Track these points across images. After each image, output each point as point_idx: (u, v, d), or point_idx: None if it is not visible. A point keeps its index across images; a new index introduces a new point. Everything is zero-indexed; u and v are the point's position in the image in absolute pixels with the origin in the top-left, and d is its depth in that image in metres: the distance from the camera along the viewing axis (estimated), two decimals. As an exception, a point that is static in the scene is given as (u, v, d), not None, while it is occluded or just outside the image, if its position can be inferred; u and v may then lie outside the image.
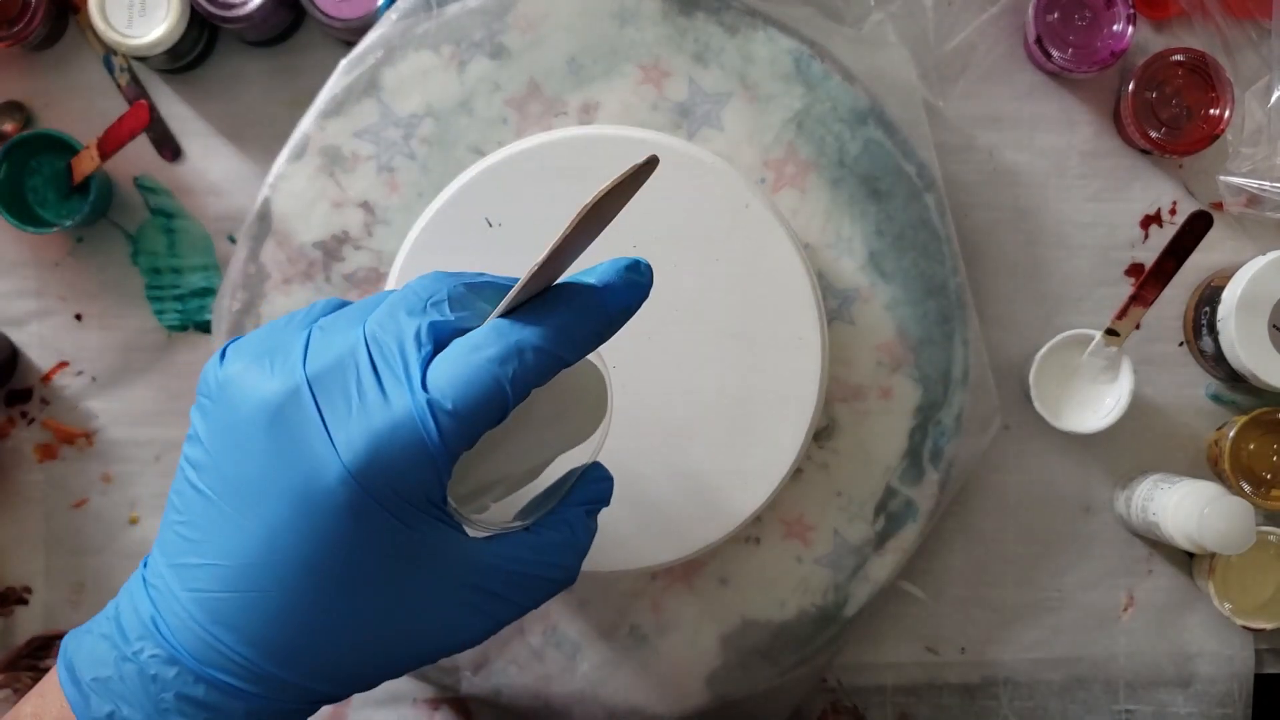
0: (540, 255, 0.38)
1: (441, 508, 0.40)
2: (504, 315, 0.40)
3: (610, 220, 0.39)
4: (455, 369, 0.38)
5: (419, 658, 0.42)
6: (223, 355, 0.41)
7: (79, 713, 0.40)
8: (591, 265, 0.41)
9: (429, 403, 0.38)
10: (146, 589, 0.41)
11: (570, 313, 0.40)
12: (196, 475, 0.40)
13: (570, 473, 0.47)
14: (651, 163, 0.37)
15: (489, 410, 0.38)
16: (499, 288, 0.42)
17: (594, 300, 0.40)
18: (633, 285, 0.41)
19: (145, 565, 0.42)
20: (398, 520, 0.39)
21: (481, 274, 0.43)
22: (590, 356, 0.45)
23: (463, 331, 0.40)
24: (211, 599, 0.39)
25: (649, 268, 0.41)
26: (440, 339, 0.39)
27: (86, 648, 0.41)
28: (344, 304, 0.43)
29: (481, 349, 0.39)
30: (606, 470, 0.47)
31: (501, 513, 0.45)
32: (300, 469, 0.38)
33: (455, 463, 0.39)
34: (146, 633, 0.40)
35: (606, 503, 0.47)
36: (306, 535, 0.38)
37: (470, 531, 0.41)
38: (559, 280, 0.41)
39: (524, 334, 0.39)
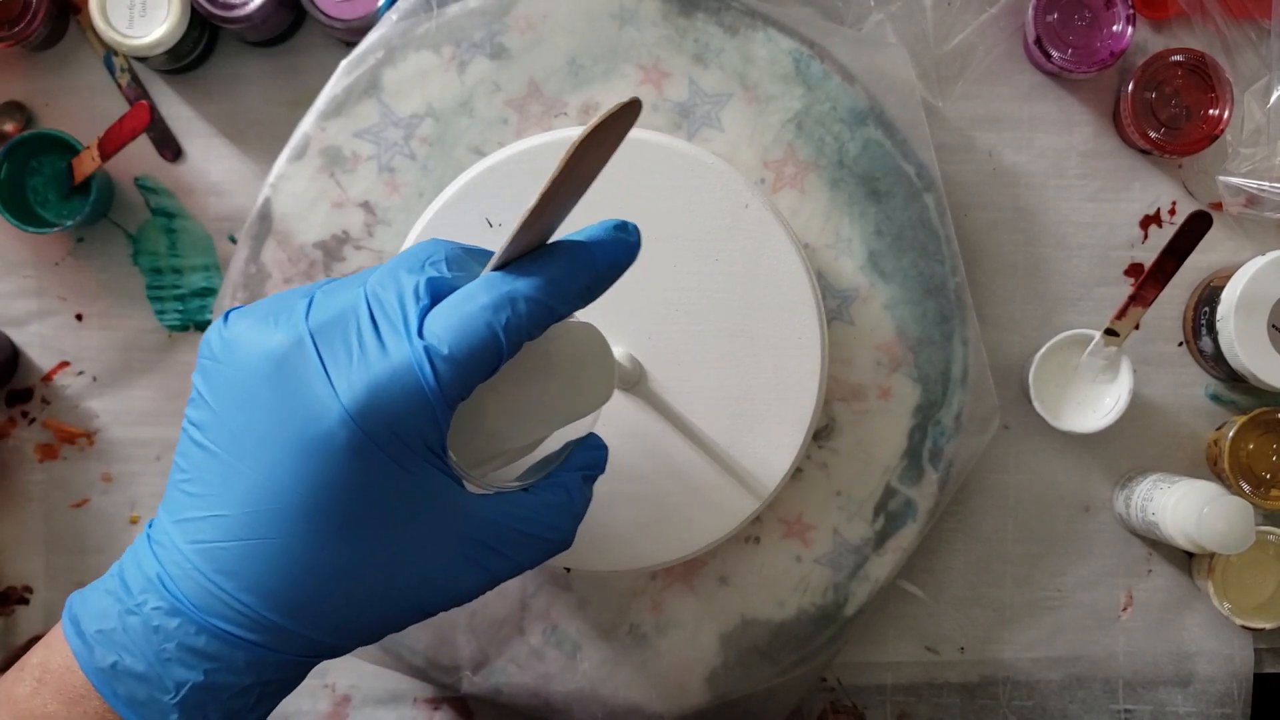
0: (528, 203, 0.39)
1: (441, 456, 0.41)
2: (496, 269, 0.41)
3: (596, 174, 0.40)
4: (450, 317, 0.40)
5: (418, 608, 0.43)
6: (226, 319, 0.43)
7: (83, 663, 0.41)
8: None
9: (426, 349, 0.39)
10: (151, 546, 0.42)
11: (560, 266, 0.42)
12: (200, 433, 0.41)
13: (569, 442, 0.48)
14: (634, 104, 0.38)
15: (484, 357, 0.40)
16: (493, 254, 0.44)
17: (583, 254, 0.42)
18: (620, 243, 0.43)
19: (150, 525, 0.43)
20: (396, 464, 0.40)
21: (476, 245, 0.45)
22: (595, 330, 0.47)
23: (458, 289, 0.41)
24: (214, 549, 0.40)
25: (637, 229, 0.43)
26: (438, 294, 0.41)
27: (91, 602, 0.42)
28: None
29: (475, 298, 0.40)
30: (601, 440, 0.49)
31: (503, 476, 0.47)
32: (301, 414, 0.39)
33: (454, 410, 0.40)
34: (149, 586, 0.41)
35: (602, 469, 0.49)
36: (307, 479, 0.39)
37: (469, 488, 0.43)
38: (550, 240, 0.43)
39: (516, 284, 0.41)
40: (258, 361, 0.40)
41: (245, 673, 0.41)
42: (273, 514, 0.40)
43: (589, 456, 0.48)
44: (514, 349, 0.41)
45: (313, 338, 0.40)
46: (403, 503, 0.40)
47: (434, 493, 0.41)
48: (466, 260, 0.43)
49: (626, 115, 0.38)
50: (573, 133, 0.59)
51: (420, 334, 0.40)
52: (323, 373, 0.40)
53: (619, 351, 0.57)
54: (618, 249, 0.43)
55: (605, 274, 0.43)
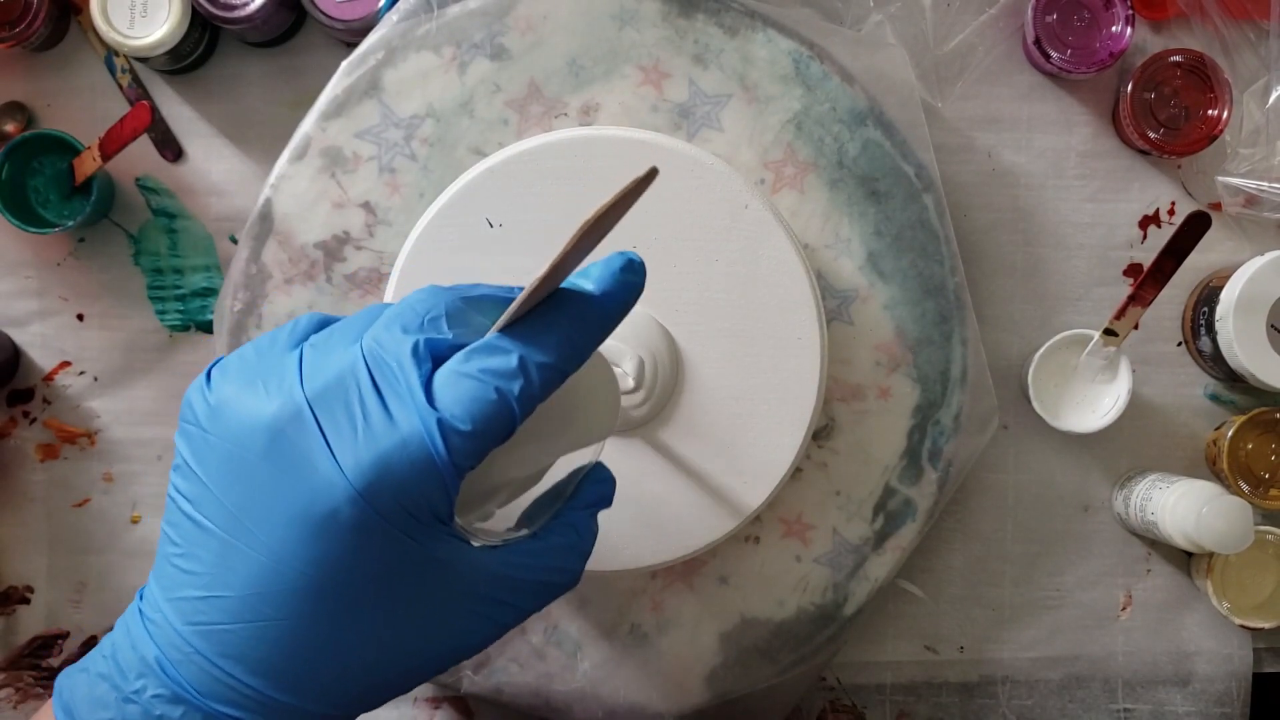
0: (541, 270, 0.38)
1: (448, 523, 0.39)
2: (504, 328, 0.40)
3: (609, 230, 0.39)
4: (462, 387, 0.38)
5: (427, 670, 0.41)
6: (208, 379, 0.40)
7: None
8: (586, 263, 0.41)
9: (439, 421, 0.37)
10: (145, 625, 0.40)
11: (573, 325, 0.40)
12: (191, 506, 0.39)
13: (574, 474, 0.47)
14: (651, 175, 0.37)
15: (498, 428, 0.38)
16: (495, 300, 0.42)
17: (595, 309, 0.40)
18: (628, 286, 0.41)
19: (141, 598, 0.41)
20: (407, 537, 0.38)
21: (476, 285, 0.42)
22: (601, 357, 0.45)
23: (460, 348, 0.39)
24: (216, 631, 0.39)
25: (642, 265, 0.41)
26: (438, 356, 0.39)
27: (83, 688, 0.40)
28: (327, 319, 0.43)
29: (487, 365, 0.38)
30: (609, 471, 0.47)
31: (504, 519, 0.45)
32: (304, 491, 0.38)
33: (463, 479, 0.39)
34: (147, 670, 0.39)
35: (609, 504, 0.47)
36: (313, 558, 0.38)
37: (475, 542, 0.41)
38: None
39: (528, 350, 0.39)
40: (252, 434, 0.38)
41: None
42: (278, 595, 0.38)
43: (598, 491, 0.46)
44: (526, 416, 0.39)
45: (311, 408, 0.38)
46: (411, 572, 0.39)
47: (443, 558, 0.39)
48: (466, 312, 0.41)
49: (644, 186, 0.37)
50: (573, 134, 0.59)
51: (431, 403, 0.38)
52: (325, 447, 0.38)
53: (634, 358, 0.57)
54: (626, 293, 0.41)
55: (615, 322, 0.41)
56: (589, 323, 0.40)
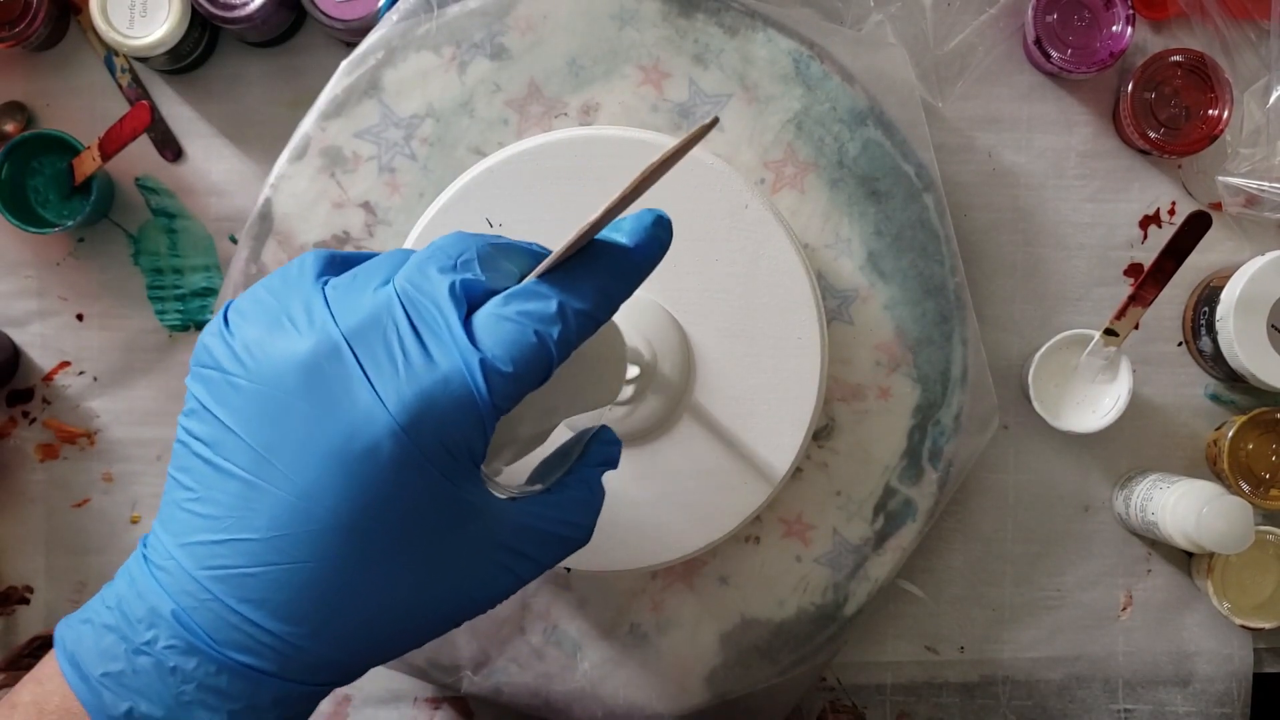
0: (590, 217, 0.38)
1: (480, 467, 0.40)
2: (541, 275, 0.40)
3: (651, 186, 0.40)
4: (503, 329, 0.38)
5: (448, 620, 0.41)
6: (226, 322, 0.40)
7: (92, 710, 0.38)
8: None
9: (481, 360, 0.38)
10: (152, 573, 0.39)
11: (609, 276, 0.41)
12: (211, 450, 0.39)
13: (580, 434, 0.48)
14: (712, 124, 0.37)
15: (536, 370, 0.39)
16: (520, 250, 0.42)
17: (629, 262, 0.41)
18: (658, 241, 0.42)
19: (145, 546, 0.40)
20: (443, 476, 0.38)
21: (499, 236, 0.43)
22: (614, 324, 0.46)
23: (493, 292, 0.40)
24: (235, 576, 0.38)
25: (669, 221, 0.42)
26: (472, 298, 0.39)
27: (89, 639, 0.39)
28: (334, 254, 0.43)
29: (528, 310, 0.39)
30: (614, 433, 0.48)
31: (512, 476, 0.46)
32: (343, 426, 0.37)
33: (499, 421, 0.39)
34: (158, 620, 0.38)
35: (615, 465, 0.48)
36: (348, 495, 0.37)
37: (494, 493, 0.42)
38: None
39: (567, 297, 0.39)
40: (285, 372, 0.38)
41: (270, 709, 0.39)
42: (306, 535, 0.38)
43: (606, 452, 0.47)
44: (562, 361, 0.40)
45: (349, 343, 0.38)
46: (444, 513, 0.39)
47: (474, 502, 0.40)
48: (496, 258, 0.41)
49: (703, 135, 0.37)
50: (573, 133, 0.59)
51: (473, 342, 0.38)
52: (366, 382, 0.37)
53: (639, 340, 0.57)
54: (655, 248, 0.42)
55: (645, 275, 0.42)
56: (623, 274, 0.41)
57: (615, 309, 0.42)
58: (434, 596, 0.40)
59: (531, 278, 0.40)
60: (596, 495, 0.46)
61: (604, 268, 0.41)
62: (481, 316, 0.39)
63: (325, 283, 0.41)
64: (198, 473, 0.39)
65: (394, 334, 0.38)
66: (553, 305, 0.39)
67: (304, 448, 0.38)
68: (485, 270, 0.40)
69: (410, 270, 0.40)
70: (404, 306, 0.38)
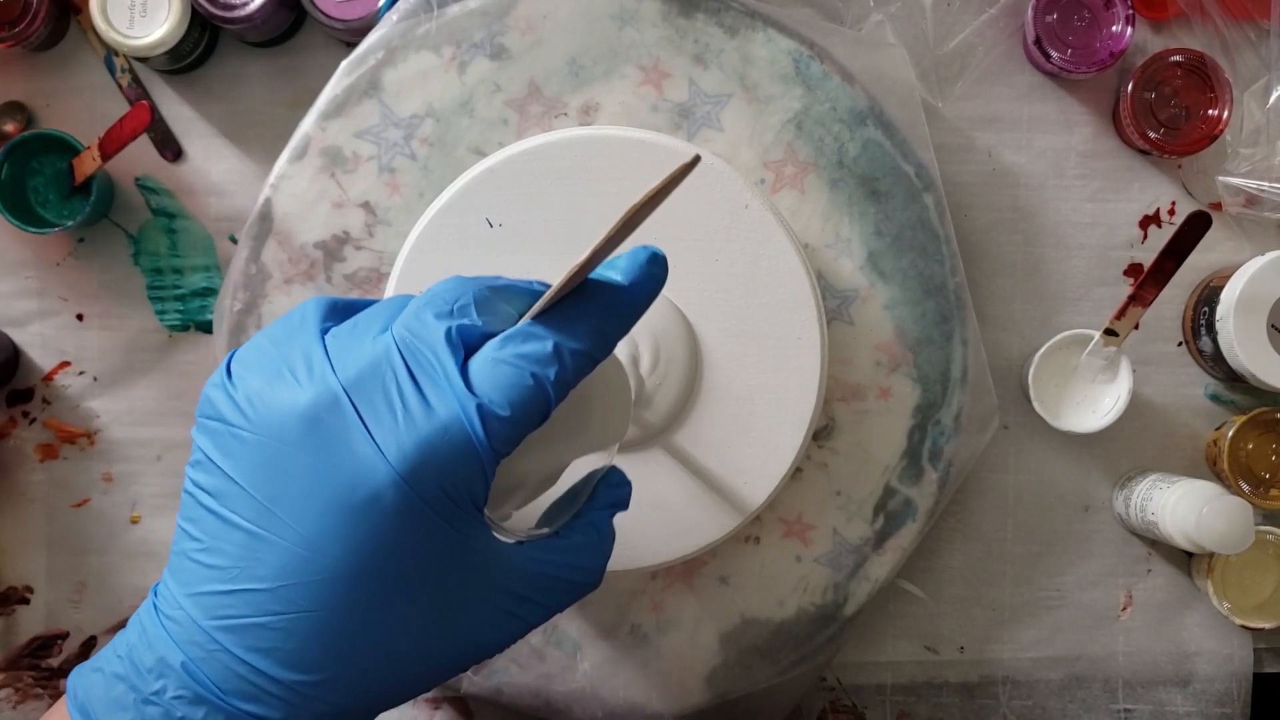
0: (579, 258, 0.38)
1: (483, 512, 0.40)
2: (537, 316, 0.40)
3: (643, 221, 0.39)
4: (499, 373, 0.39)
5: (455, 665, 0.41)
6: (229, 373, 0.40)
7: None
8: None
9: (479, 406, 0.38)
10: (162, 623, 0.40)
11: (603, 315, 0.41)
12: (216, 501, 0.39)
13: (590, 475, 0.47)
14: (694, 163, 0.37)
15: (534, 413, 0.39)
16: (518, 290, 0.42)
17: (624, 300, 0.41)
18: (654, 279, 0.42)
19: (156, 595, 0.41)
20: (445, 523, 0.38)
21: (498, 277, 0.43)
22: (616, 360, 0.46)
23: (490, 335, 0.40)
24: (243, 626, 0.38)
25: (664, 258, 0.42)
26: (469, 343, 0.39)
27: (100, 689, 0.40)
28: (336, 302, 0.43)
29: (524, 353, 0.39)
30: (624, 475, 0.48)
31: (523, 520, 0.45)
32: (345, 477, 0.38)
33: (498, 466, 0.39)
34: (166, 670, 0.39)
35: (625, 506, 0.47)
36: (351, 544, 0.38)
37: (500, 538, 0.42)
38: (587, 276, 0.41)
39: (562, 337, 0.39)
40: (286, 423, 0.38)
41: None
42: (311, 585, 0.38)
43: (615, 494, 0.47)
44: (560, 402, 0.40)
45: (348, 394, 0.38)
46: (448, 560, 0.39)
47: (477, 548, 0.40)
48: (494, 300, 0.41)
49: (685, 174, 0.37)
50: (573, 133, 0.59)
51: (469, 389, 0.38)
52: (365, 433, 0.38)
53: (646, 346, 0.57)
54: (650, 285, 0.42)
55: (641, 313, 0.42)
56: (618, 313, 0.41)
57: (612, 347, 0.41)
58: (441, 642, 0.40)
59: (526, 319, 0.40)
60: (606, 539, 0.45)
61: (599, 307, 0.40)
62: (478, 361, 0.39)
63: (326, 331, 0.41)
64: (205, 523, 0.39)
65: (392, 383, 0.38)
66: (548, 346, 0.39)
67: (306, 499, 0.38)
68: (482, 314, 0.40)
69: (408, 318, 0.40)
70: (402, 354, 0.39)
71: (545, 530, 0.45)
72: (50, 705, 0.66)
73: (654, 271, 0.42)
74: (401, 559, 0.38)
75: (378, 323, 0.40)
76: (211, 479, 0.39)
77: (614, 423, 0.46)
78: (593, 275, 0.41)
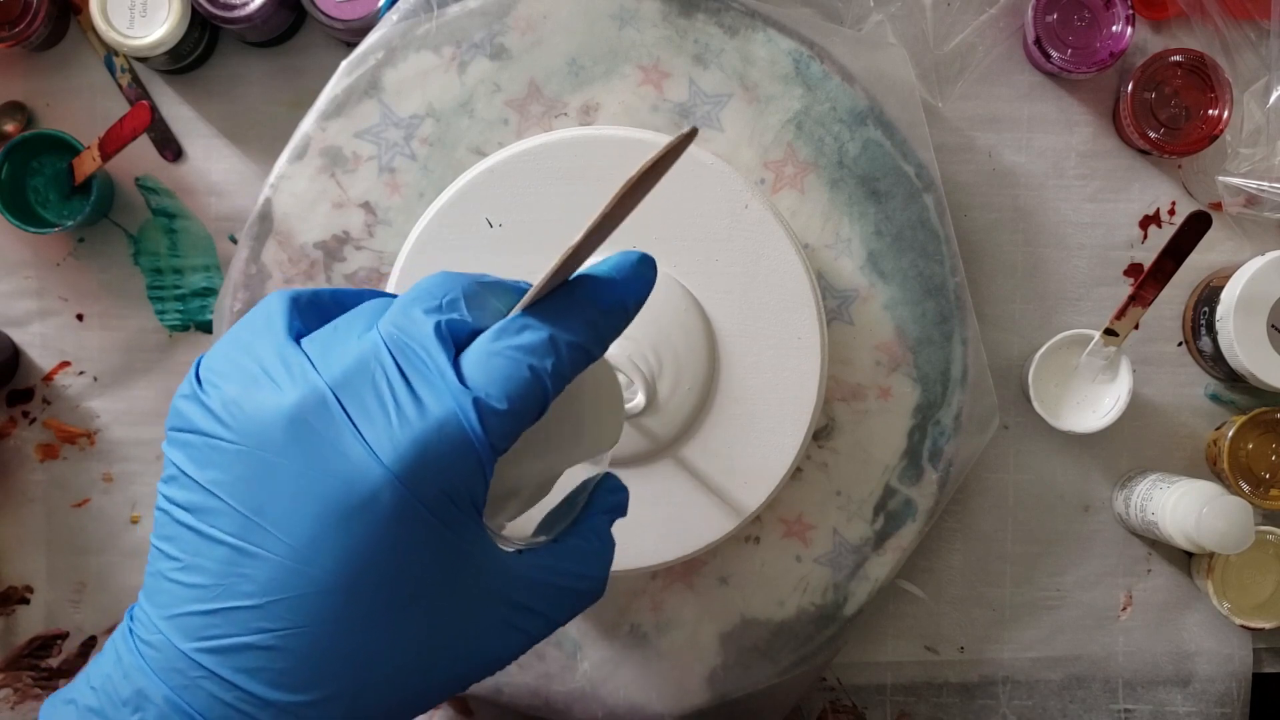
0: (574, 239, 0.37)
1: (481, 514, 0.38)
2: (527, 309, 0.39)
3: (636, 205, 0.39)
4: (494, 365, 0.37)
5: (455, 682, 0.39)
6: (198, 381, 0.38)
7: None
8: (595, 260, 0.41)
9: (474, 400, 0.36)
10: (138, 650, 0.37)
11: (596, 309, 0.39)
12: (194, 517, 0.37)
13: (585, 483, 0.46)
14: (692, 134, 0.36)
15: (532, 406, 0.37)
16: (508, 288, 0.41)
17: (616, 296, 0.40)
18: (644, 280, 0.41)
19: (131, 619, 0.38)
20: (444, 526, 0.37)
21: (486, 275, 0.42)
22: (607, 364, 0.45)
23: (480, 331, 0.38)
24: (230, 646, 0.36)
25: (654, 260, 0.41)
26: (459, 339, 0.38)
27: None
28: (297, 294, 0.41)
29: (519, 344, 0.37)
30: (620, 480, 0.47)
31: (519, 530, 0.45)
32: (335, 481, 0.36)
33: (496, 462, 0.37)
34: (144, 702, 0.36)
35: (624, 512, 0.46)
36: (346, 551, 0.36)
37: (501, 545, 0.40)
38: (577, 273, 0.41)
39: (558, 329, 0.38)
40: (269, 429, 0.36)
41: None
42: (305, 598, 0.36)
43: (613, 500, 0.46)
44: (556, 395, 0.38)
45: (334, 394, 0.36)
46: (446, 565, 0.37)
47: (476, 553, 0.38)
48: (483, 296, 0.39)
49: (682, 148, 0.36)
50: (573, 133, 0.59)
51: (464, 383, 0.36)
52: (356, 433, 0.36)
53: (643, 356, 0.57)
54: (640, 284, 0.40)
55: (632, 314, 0.41)
56: (610, 309, 0.40)
57: (606, 346, 0.40)
58: (441, 657, 0.38)
59: (518, 309, 0.39)
60: (606, 545, 0.44)
61: (591, 301, 0.39)
62: (471, 355, 0.37)
63: (294, 327, 0.39)
64: (182, 541, 0.37)
65: (383, 380, 0.36)
66: (544, 336, 0.38)
67: (295, 507, 0.36)
68: (471, 309, 0.39)
69: (395, 314, 0.38)
70: (391, 352, 0.37)
71: (544, 538, 0.44)
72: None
73: (643, 272, 0.41)
74: (398, 566, 0.36)
75: (360, 323, 0.39)
76: (188, 494, 0.37)
77: (606, 428, 0.45)
78: (582, 272, 0.40)
